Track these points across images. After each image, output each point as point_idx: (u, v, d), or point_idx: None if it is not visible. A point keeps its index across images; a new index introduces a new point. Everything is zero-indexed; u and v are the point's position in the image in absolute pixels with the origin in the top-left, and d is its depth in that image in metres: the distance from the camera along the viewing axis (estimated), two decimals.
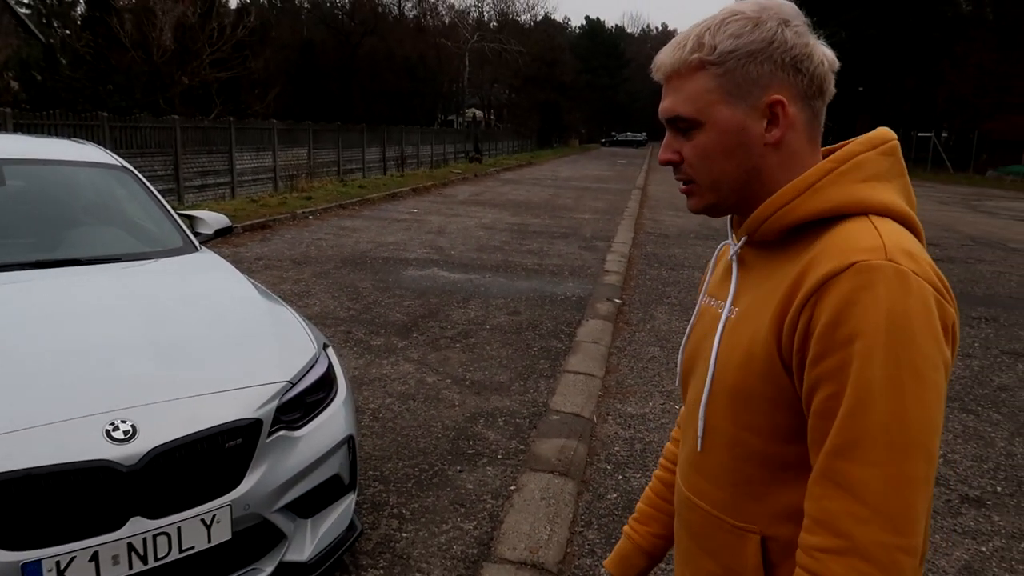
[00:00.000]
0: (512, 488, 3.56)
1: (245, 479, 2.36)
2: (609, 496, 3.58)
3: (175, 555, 2.21)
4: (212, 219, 4.00)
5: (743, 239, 1.10)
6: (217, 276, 3.42)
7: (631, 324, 6.80)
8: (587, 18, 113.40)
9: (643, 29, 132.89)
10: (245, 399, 2.43)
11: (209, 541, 2.28)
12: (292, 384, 2.61)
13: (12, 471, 1.96)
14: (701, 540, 1.13)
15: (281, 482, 2.47)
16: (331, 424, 2.72)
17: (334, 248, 10.07)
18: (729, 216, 1.15)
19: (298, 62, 39.31)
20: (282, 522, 2.51)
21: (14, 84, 19.15)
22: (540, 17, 70.22)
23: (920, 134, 43.38)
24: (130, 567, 2.13)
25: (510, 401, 4.73)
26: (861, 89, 45.02)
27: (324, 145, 20.79)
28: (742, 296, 1.09)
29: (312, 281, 7.82)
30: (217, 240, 4.04)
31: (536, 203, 17.67)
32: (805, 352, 0.93)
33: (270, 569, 2.48)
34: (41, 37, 23.30)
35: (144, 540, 2.14)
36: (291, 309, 3.23)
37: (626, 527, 1.45)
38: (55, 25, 27.66)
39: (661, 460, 1.45)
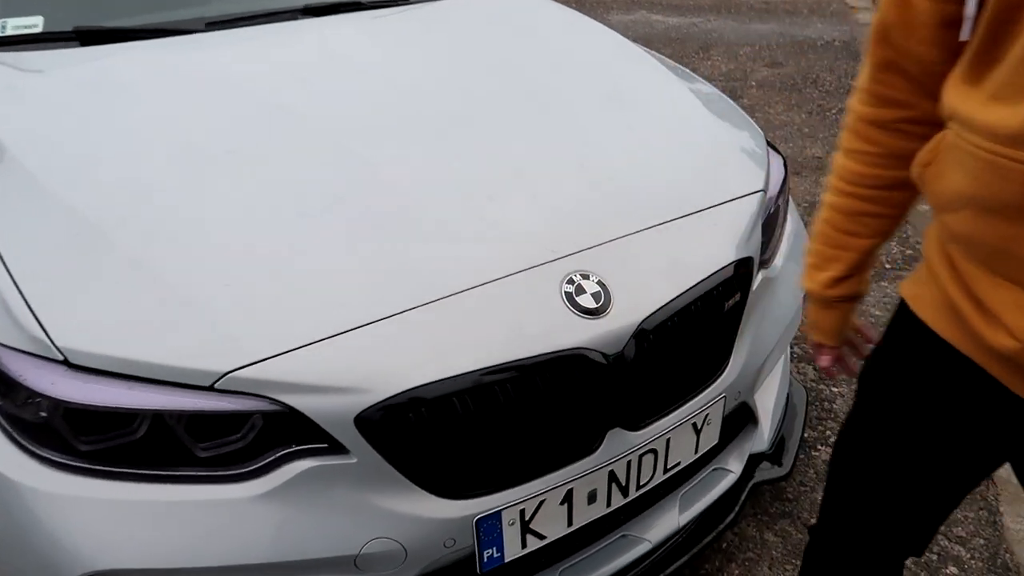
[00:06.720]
0: None
1: (733, 353, 1.47)
2: None
3: (658, 478, 1.40)
4: None
5: None
6: (567, 21, 2.24)
7: None
8: None
9: None
10: (725, 224, 1.47)
11: (696, 451, 1.45)
12: (766, 194, 1.62)
13: (445, 379, 1.12)
14: None
15: (770, 349, 1.58)
16: (794, 253, 1.75)
17: None
18: None
19: None
20: (753, 402, 1.65)
21: None
22: None
23: None
24: (608, 504, 1.33)
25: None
26: None
27: None
28: None
29: None
30: None
31: None
32: None
33: (739, 468, 1.65)
34: None
35: (628, 464, 1.32)
36: (697, 76, 2.14)
37: None
38: None
39: None
